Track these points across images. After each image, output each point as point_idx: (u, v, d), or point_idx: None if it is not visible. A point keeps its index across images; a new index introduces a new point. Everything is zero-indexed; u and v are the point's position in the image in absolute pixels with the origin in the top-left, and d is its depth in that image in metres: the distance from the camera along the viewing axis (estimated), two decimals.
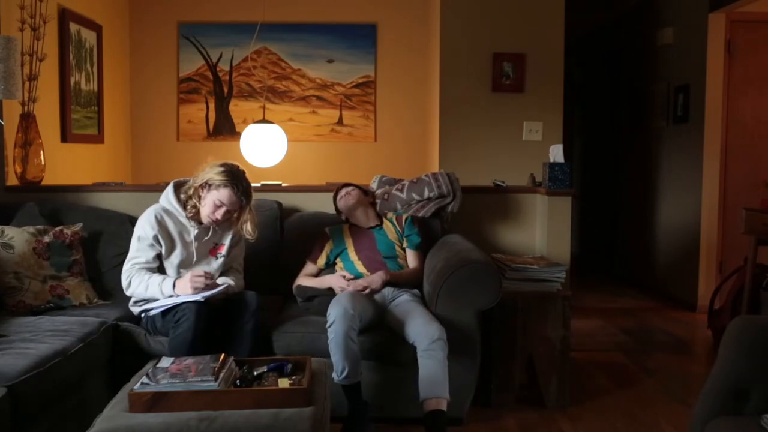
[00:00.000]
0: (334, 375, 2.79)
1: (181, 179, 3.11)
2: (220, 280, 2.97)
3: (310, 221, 3.65)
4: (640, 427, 3.13)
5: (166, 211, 3.02)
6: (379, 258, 3.31)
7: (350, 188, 3.49)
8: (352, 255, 3.34)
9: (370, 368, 2.97)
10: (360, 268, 3.29)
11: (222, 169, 2.94)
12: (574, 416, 3.23)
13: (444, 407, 2.76)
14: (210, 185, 2.93)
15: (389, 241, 3.38)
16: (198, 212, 3.00)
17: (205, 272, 2.90)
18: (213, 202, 2.93)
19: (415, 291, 3.24)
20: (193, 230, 3.01)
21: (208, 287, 2.84)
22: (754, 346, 2.01)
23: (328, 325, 2.84)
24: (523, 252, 3.86)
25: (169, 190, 3.05)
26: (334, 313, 2.83)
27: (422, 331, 2.84)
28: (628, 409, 3.33)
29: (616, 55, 7.16)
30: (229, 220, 3.05)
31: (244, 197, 2.96)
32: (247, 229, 3.05)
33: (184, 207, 3.00)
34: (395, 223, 3.46)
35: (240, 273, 3.18)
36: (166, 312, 2.84)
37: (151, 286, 2.91)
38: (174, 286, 2.87)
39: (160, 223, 2.98)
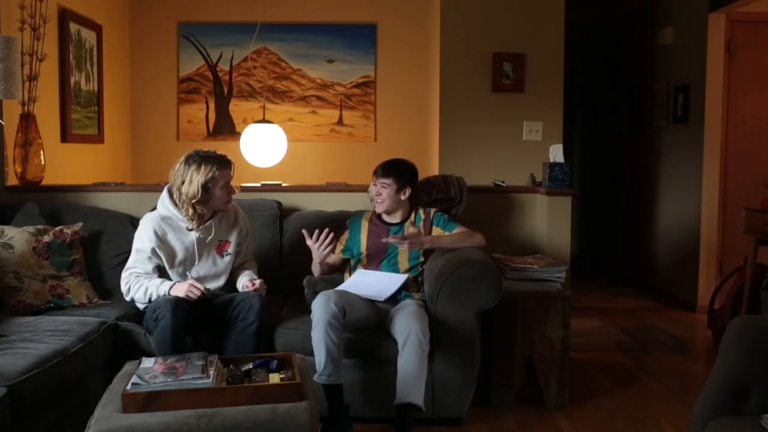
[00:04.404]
0: (316, 375, 2.79)
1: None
2: (248, 282, 3.02)
3: (310, 221, 3.64)
4: (640, 427, 3.13)
5: (165, 218, 3.00)
6: (380, 259, 3.27)
7: (388, 181, 3.25)
8: (363, 254, 3.31)
9: (355, 367, 2.98)
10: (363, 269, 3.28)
11: (199, 160, 2.92)
12: (574, 416, 3.23)
13: (414, 401, 2.76)
14: (209, 183, 2.92)
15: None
16: (201, 215, 2.99)
17: (206, 288, 2.93)
18: (221, 189, 2.96)
19: (422, 298, 3.17)
20: (195, 233, 3.01)
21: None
22: (754, 346, 2.01)
23: (311, 317, 2.87)
24: (523, 252, 3.86)
25: (165, 196, 3.02)
26: (315, 303, 2.86)
27: (401, 326, 2.86)
28: (628, 409, 3.33)
29: (616, 55, 7.16)
30: (229, 217, 3.09)
31: (230, 161, 3.01)
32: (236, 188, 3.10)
33: (183, 208, 2.98)
34: (422, 219, 3.33)
35: (255, 265, 3.23)
36: (150, 311, 2.87)
37: (150, 287, 2.94)
38: (171, 288, 2.90)
39: (159, 236, 2.97)
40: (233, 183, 3.05)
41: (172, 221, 3.00)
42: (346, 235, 3.36)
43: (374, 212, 3.37)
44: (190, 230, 3.00)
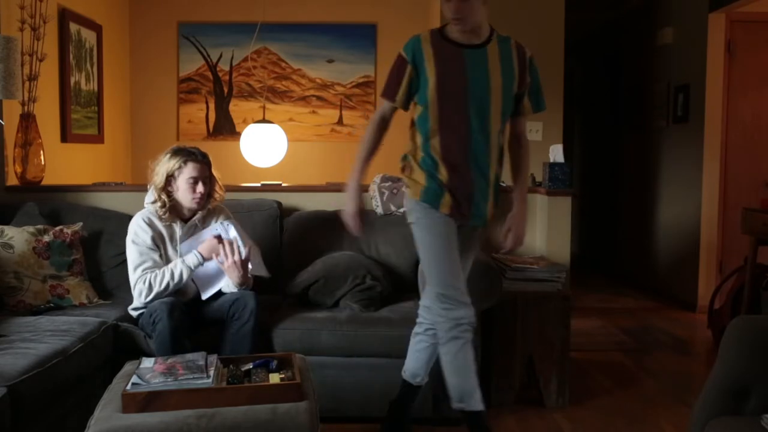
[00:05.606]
0: (404, 371, 2.75)
1: None
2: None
3: (310, 221, 3.65)
4: (640, 427, 3.13)
5: (151, 212, 3.01)
6: (461, 89, 2.32)
7: None
8: (430, 92, 2.39)
9: (357, 366, 3.00)
10: (433, 115, 2.41)
11: (170, 154, 2.97)
12: (574, 416, 3.23)
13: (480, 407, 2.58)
14: (174, 174, 2.95)
15: (484, 71, 2.33)
16: (172, 209, 2.99)
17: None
18: (186, 182, 2.94)
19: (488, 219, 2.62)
20: (178, 230, 3.02)
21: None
22: (754, 346, 2.01)
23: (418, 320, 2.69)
24: (523, 252, 3.86)
25: (150, 190, 3.04)
26: (425, 313, 2.64)
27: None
28: (628, 409, 3.33)
29: (616, 55, 7.16)
30: (215, 217, 3.09)
31: (205, 159, 2.99)
32: (220, 194, 3.10)
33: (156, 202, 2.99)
34: (513, 52, 2.38)
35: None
36: (147, 315, 2.86)
37: (175, 270, 2.88)
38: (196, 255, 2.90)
39: (151, 226, 2.97)
40: (220, 190, 3.08)
41: (156, 215, 3.01)
42: (410, 73, 2.41)
43: (433, 32, 2.43)
44: (167, 225, 3.00)
